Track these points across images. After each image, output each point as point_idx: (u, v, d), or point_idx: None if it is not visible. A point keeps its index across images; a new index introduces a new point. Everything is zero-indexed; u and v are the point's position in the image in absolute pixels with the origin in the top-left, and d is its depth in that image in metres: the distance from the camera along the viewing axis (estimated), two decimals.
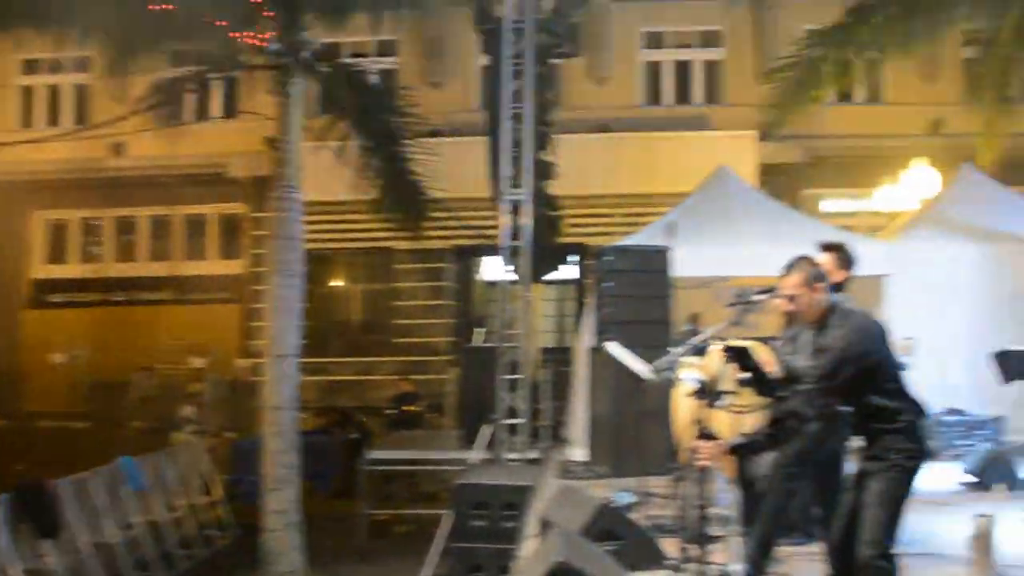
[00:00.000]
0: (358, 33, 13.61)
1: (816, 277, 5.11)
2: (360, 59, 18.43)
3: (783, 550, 7.13)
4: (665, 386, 8.11)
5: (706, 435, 5.39)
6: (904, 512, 5.00)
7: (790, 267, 5.21)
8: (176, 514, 13.40)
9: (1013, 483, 9.44)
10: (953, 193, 14.95)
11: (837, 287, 6.31)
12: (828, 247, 6.40)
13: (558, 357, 17.09)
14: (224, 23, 12.15)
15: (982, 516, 6.79)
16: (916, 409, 5.02)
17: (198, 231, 22.10)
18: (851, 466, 7.71)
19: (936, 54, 19.14)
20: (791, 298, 5.12)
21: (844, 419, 6.23)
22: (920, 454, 5.00)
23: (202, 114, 20.05)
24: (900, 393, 5.03)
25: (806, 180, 20.94)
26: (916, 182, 17.60)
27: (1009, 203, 14.56)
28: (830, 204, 21.98)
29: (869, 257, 12.82)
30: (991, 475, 9.35)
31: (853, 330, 4.94)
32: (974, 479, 9.71)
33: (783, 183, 20.46)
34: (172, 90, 12.76)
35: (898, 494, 4.94)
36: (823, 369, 4.90)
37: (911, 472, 4.97)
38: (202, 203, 21.63)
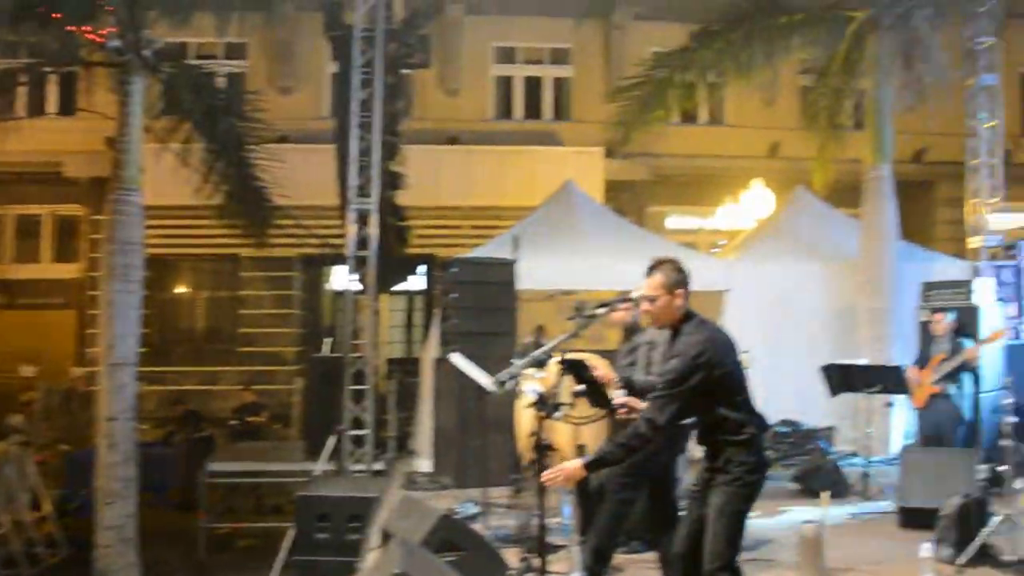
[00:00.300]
0: (205, 34, 13.34)
1: (677, 283, 5.16)
2: (207, 61, 18.06)
3: (620, 558, 7.31)
4: (508, 398, 8.21)
5: (544, 447, 5.47)
6: (745, 524, 5.10)
7: (653, 268, 5.25)
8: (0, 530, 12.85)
9: (839, 490, 9.86)
10: (788, 213, 15.56)
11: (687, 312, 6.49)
12: (657, 264, 6.55)
13: (406, 368, 17.06)
14: (60, 15, 11.72)
15: (809, 523, 7.10)
16: (759, 423, 5.11)
17: (31, 232, 21.24)
18: (687, 476, 7.95)
19: (775, 80, 19.85)
20: (650, 299, 5.18)
21: (680, 431, 6.44)
22: (761, 468, 5.10)
23: (37, 110, 19.26)
24: (746, 406, 5.11)
25: (652, 197, 21.42)
26: (754, 202, 18.24)
27: (838, 224, 15.22)
28: (675, 221, 22.54)
29: (709, 273, 13.43)
30: (818, 482, 9.75)
31: (705, 339, 4.99)
32: (802, 487, 10.11)
33: (629, 199, 20.92)
34: (3, 83, 12.25)
35: (740, 508, 5.01)
36: (673, 374, 4.93)
37: (753, 486, 5.04)
38: (36, 203, 20.83)
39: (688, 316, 5.16)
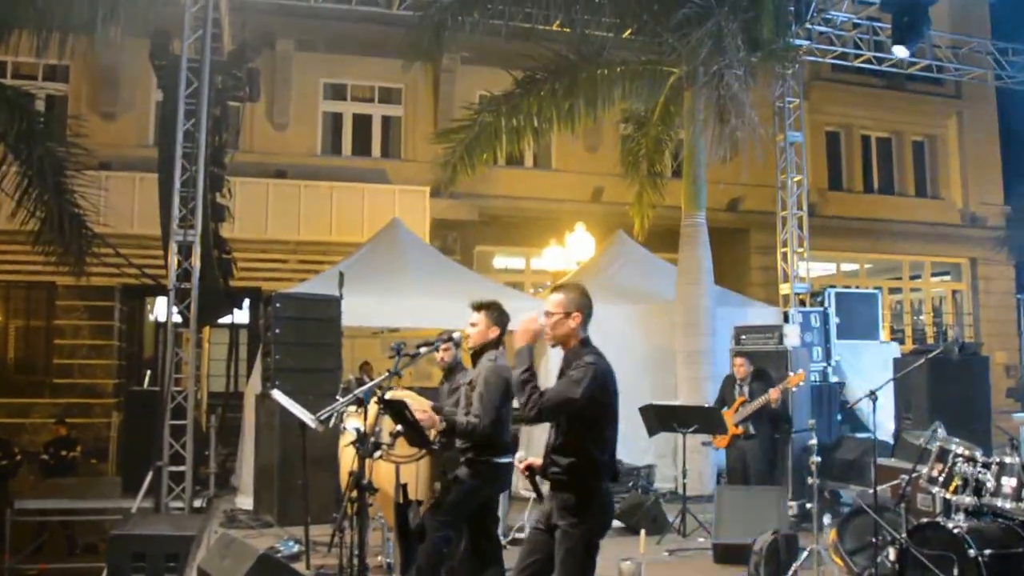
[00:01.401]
0: (23, 54, 12.68)
1: (580, 307, 5.13)
2: (24, 82, 17.22)
3: None
4: (331, 435, 8.00)
5: (364, 486, 5.32)
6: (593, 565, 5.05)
7: (557, 288, 5.27)
8: None
9: (658, 527, 9.97)
10: (608, 256, 15.83)
11: (491, 344, 6.49)
12: (480, 306, 6.57)
13: (228, 402, 16.56)
14: None
15: (627, 561, 7.12)
16: (613, 471, 5.11)
17: None
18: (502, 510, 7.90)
19: (598, 128, 20.29)
20: (548, 314, 5.14)
21: (502, 469, 6.39)
22: (607, 519, 5.12)
23: None
24: (610, 451, 5.11)
25: (479, 237, 21.50)
26: (577, 244, 18.52)
27: (656, 268, 15.57)
28: (501, 261, 22.71)
29: (535, 313, 13.45)
30: (638, 520, 9.83)
31: (600, 367, 4.98)
32: (623, 523, 10.18)
33: (456, 239, 20.94)
34: None
35: (587, 562, 5.00)
36: (572, 381, 4.94)
37: (598, 535, 5.07)
38: None
39: (585, 343, 5.18)
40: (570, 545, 4.93)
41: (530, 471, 5.31)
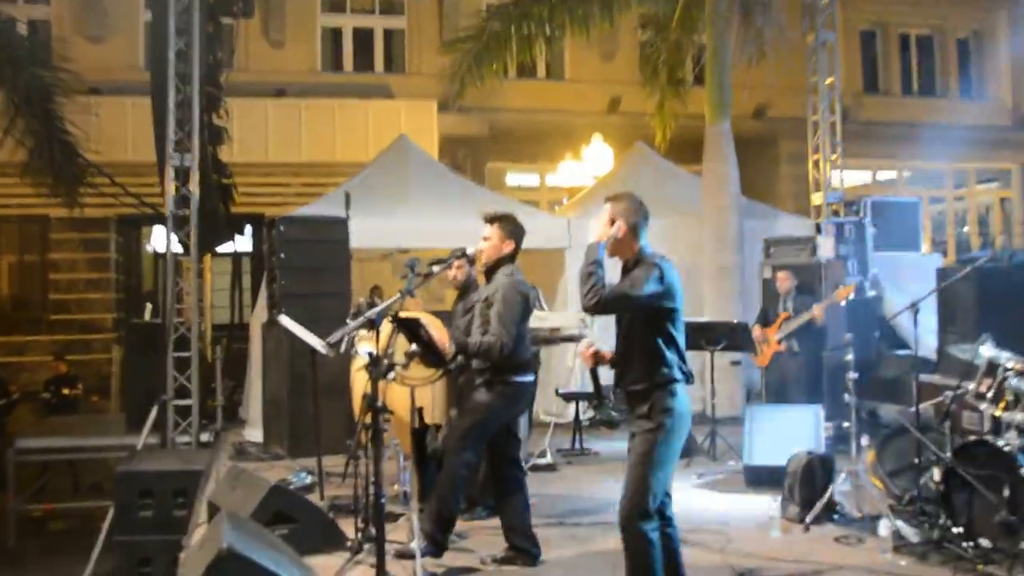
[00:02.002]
0: None
1: (637, 215, 5.18)
2: (6, 5, 17.05)
3: (463, 525, 7.25)
4: (342, 361, 8.03)
5: (378, 409, 5.33)
6: (668, 473, 5.08)
7: (612, 198, 5.26)
8: None
9: (687, 451, 10.03)
10: (628, 169, 15.71)
11: (506, 259, 6.45)
12: (493, 218, 6.51)
13: (233, 333, 16.68)
14: None
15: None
16: (688, 374, 5.14)
17: None
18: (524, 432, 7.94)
19: (614, 34, 20.01)
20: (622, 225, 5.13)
21: (520, 389, 6.40)
22: (687, 423, 5.13)
23: None
24: (678, 349, 5.13)
25: (490, 153, 21.37)
26: (594, 158, 18.39)
27: (680, 180, 15.47)
28: (514, 178, 22.60)
29: (551, 231, 13.47)
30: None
31: (665, 267, 5.05)
32: None
33: (466, 155, 20.83)
34: None
35: (662, 455, 5.00)
36: (636, 278, 5.01)
37: (678, 440, 5.08)
38: None
39: (644, 251, 5.21)
40: (645, 449, 4.98)
41: (595, 362, 5.29)
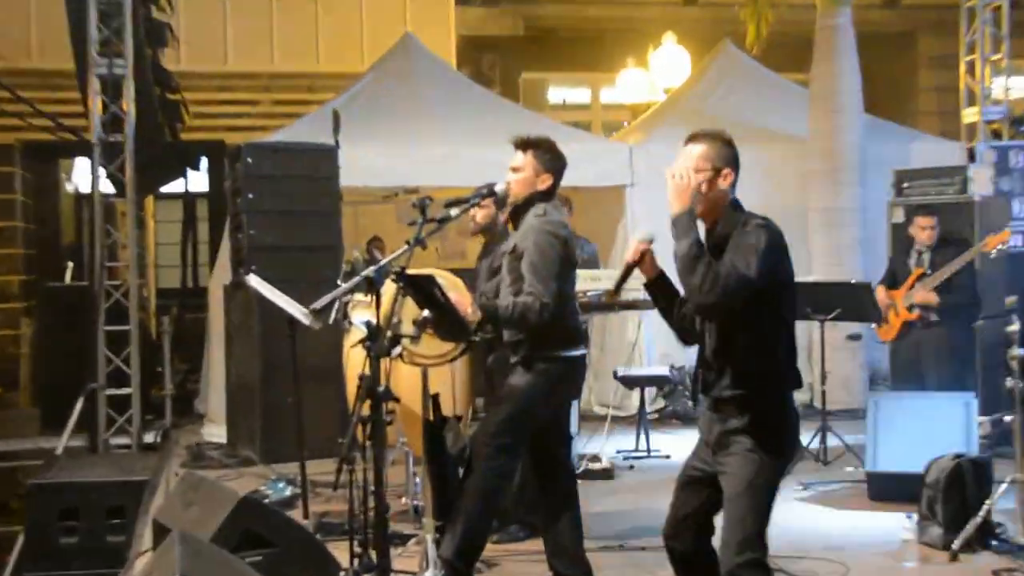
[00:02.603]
0: None
1: (732, 161, 5.10)
2: None
3: (493, 548, 7.33)
4: (331, 334, 8.11)
5: (380, 396, 5.41)
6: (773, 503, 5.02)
7: (696, 138, 5.17)
8: None
9: None
10: (710, 78, 15.66)
11: (542, 196, 6.48)
12: (526, 143, 6.52)
13: (186, 301, 16.81)
14: None
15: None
16: (797, 378, 5.10)
17: None
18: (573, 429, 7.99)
19: None
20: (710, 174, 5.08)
21: (568, 368, 6.45)
22: (794, 444, 5.15)
23: None
24: (791, 341, 5.10)
25: (526, 60, 21.30)
26: (665, 65, 18.33)
27: (779, 93, 15.40)
28: (559, 93, 22.57)
29: (607, 163, 13.47)
30: None
31: (775, 230, 4.96)
32: None
33: (495, 62, 20.79)
34: None
35: (772, 479, 4.97)
36: (743, 265, 4.84)
37: (783, 468, 5.05)
38: None
39: (737, 207, 5.15)
40: (750, 471, 4.95)
41: (640, 263, 5.29)
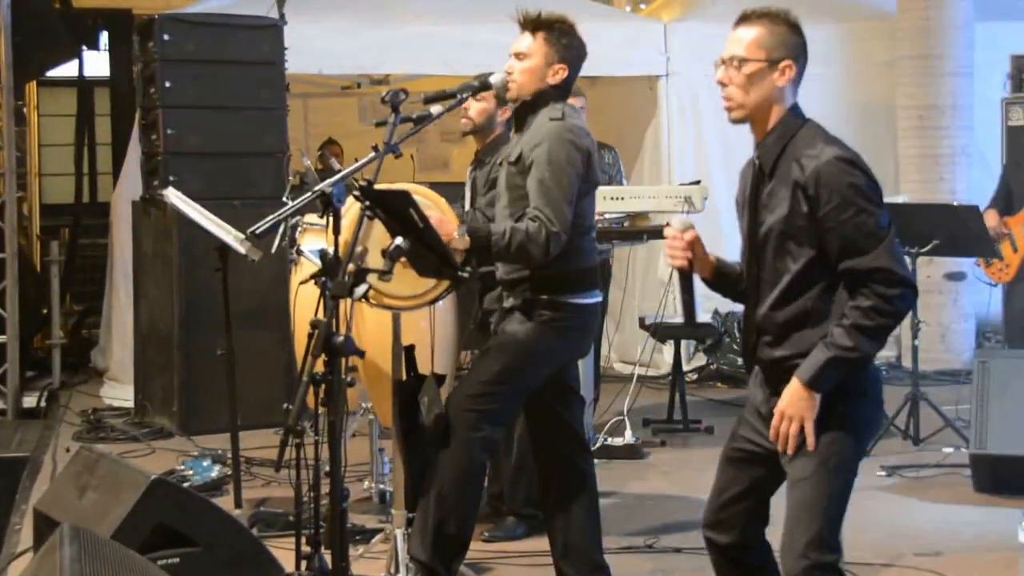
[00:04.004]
0: None
1: (794, 50, 5.01)
2: None
3: (485, 547, 7.37)
4: (274, 267, 8.09)
5: (339, 347, 5.39)
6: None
7: (751, 17, 5.05)
8: None
9: None
10: None
11: (553, 93, 6.45)
12: (535, 23, 6.47)
13: (82, 222, 16.75)
14: None
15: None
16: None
17: None
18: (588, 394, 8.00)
19: None
20: (736, 63, 5.03)
21: (580, 316, 6.45)
22: (878, 416, 5.21)
23: None
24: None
25: None
26: None
27: None
28: None
29: (636, 44, 13.44)
30: None
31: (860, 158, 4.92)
32: None
33: None
34: None
35: (850, 462, 4.95)
36: (871, 215, 4.75)
37: (864, 442, 5.07)
38: None
39: (798, 116, 5.08)
40: (816, 458, 4.95)
41: (691, 261, 5.26)
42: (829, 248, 4.81)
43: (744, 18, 5.08)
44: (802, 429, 4.84)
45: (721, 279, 5.28)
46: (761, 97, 5.02)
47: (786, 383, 4.89)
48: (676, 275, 5.28)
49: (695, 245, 5.12)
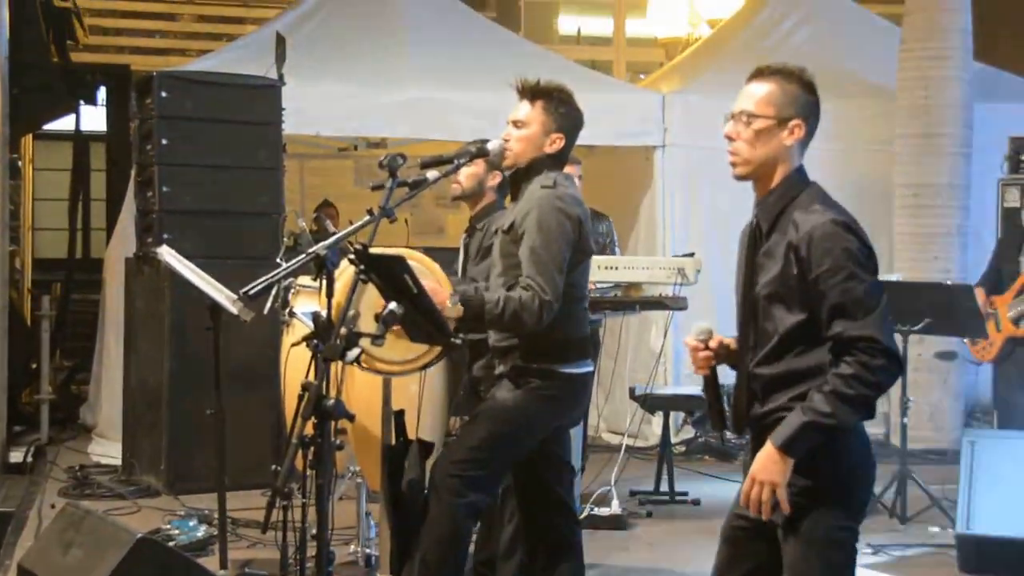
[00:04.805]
0: None
1: (804, 110, 5.03)
2: None
3: None
4: (266, 328, 8.13)
5: (329, 411, 5.43)
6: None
7: (763, 74, 5.09)
8: None
9: None
10: (771, 9, 15.63)
11: (548, 161, 6.50)
12: (534, 91, 6.53)
13: (74, 278, 16.76)
14: None
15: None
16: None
17: None
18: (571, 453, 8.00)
19: None
20: (746, 118, 5.04)
21: (569, 386, 6.48)
22: (868, 488, 5.13)
23: None
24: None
25: None
26: None
27: (860, 30, 15.39)
28: (571, 21, 22.59)
29: (633, 115, 13.50)
30: None
31: (854, 222, 4.93)
32: None
33: None
34: None
35: (847, 539, 4.95)
36: (861, 282, 4.74)
37: (857, 520, 5.02)
38: None
39: (804, 181, 5.09)
40: (809, 541, 4.96)
41: (713, 366, 5.28)
42: (818, 311, 4.80)
43: (758, 73, 5.12)
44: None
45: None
46: (767, 155, 5.03)
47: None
48: (703, 381, 5.26)
49: (722, 347, 5.16)
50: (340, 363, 5.63)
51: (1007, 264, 11.06)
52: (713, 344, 5.11)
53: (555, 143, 6.48)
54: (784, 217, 4.95)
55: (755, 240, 5.06)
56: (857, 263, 4.76)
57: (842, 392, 4.70)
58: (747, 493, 4.85)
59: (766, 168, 5.04)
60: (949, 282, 11.28)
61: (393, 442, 6.95)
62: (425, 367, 6.88)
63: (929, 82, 13.52)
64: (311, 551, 5.95)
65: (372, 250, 5.95)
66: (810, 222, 4.83)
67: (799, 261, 4.82)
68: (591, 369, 6.68)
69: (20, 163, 16.93)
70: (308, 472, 5.78)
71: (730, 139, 5.05)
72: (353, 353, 5.71)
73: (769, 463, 4.79)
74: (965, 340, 11.32)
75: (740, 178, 5.07)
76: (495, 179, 7.60)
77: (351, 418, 5.65)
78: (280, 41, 11.38)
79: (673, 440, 11.59)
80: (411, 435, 7.14)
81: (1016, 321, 10.74)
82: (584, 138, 6.72)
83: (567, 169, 6.66)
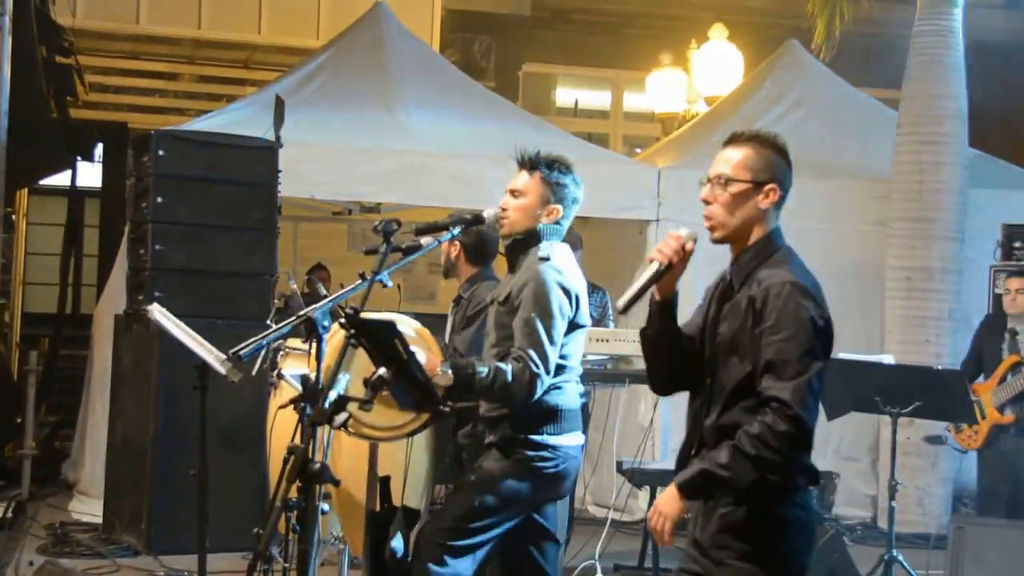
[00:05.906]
0: None
1: (779, 175, 5.16)
2: None
3: None
4: (254, 390, 8.08)
5: (316, 475, 5.40)
6: None
7: (739, 139, 5.25)
8: None
9: None
10: (769, 89, 15.67)
11: (547, 232, 6.49)
12: (532, 163, 6.53)
13: (63, 333, 16.73)
14: None
15: None
16: (813, 472, 5.12)
17: None
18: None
19: None
20: (722, 182, 5.07)
21: (563, 462, 6.44)
22: (808, 550, 5.13)
23: None
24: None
25: (530, 46, 21.38)
26: (710, 65, 18.37)
27: (857, 111, 15.42)
28: (569, 93, 22.63)
29: (629, 188, 13.50)
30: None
31: (814, 284, 5.00)
32: None
33: (490, 47, 20.86)
34: None
35: None
36: (798, 346, 4.87)
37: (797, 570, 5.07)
38: None
39: (776, 239, 5.22)
40: None
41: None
42: (757, 365, 4.90)
43: (733, 139, 5.28)
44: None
45: (667, 312, 5.43)
46: (744, 218, 5.16)
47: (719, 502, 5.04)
48: (650, 268, 5.40)
49: (688, 258, 5.25)
50: (327, 427, 5.60)
51: (989, 352, 11.03)
52: (688, 246, 5.22)
53: (552, 214, 6.49)
54: (753, 275, 5.08)
55: (724, 296, 5.21)
56: (802, 328, 4.88)
57: (743, 449, 4.82)
58: (650, 520, 5.13)
59: (743, 231, 5.19)
60: (939, 367, 11.24)
61: (378, 508, 6.90)
62: (412, 433, 6.85)
63: (924, 166, 13.53)
64: None
65: (363, 314, 5.93)
66: (771, 279, 4.98)
67: (754, 314, 4.96)
68: (582, 442, 6.66)
69: (14, 217, 16.92)
70: (291, 536, 5.74)
71: (706, 203, 5.20)
72: (341, 417, 5.69)
73: (669, 498, 5.02)
74: (949, 428, 11.27)
75: (717, 241, 5.23)
76: (454, 251, 7.63)
77: (336, 483, 5.63)
78: (279, 103, 11.39)
79: None
80: (396, 502, 7.11)
81: (1001, 408, 10.70)
82: (580, 210, 6.71)
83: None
